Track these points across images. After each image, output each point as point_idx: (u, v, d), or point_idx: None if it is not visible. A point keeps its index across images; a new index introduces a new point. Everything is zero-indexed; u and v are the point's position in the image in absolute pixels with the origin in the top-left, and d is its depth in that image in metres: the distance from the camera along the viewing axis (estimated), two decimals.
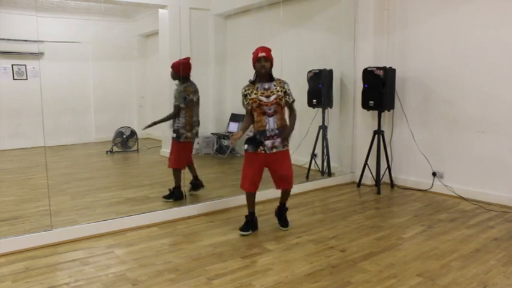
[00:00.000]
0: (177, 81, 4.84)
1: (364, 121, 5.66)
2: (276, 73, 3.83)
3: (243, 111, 3.92)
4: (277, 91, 3.69)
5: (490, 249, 3.43)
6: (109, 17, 8.35)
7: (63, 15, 7.80)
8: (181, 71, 4.77)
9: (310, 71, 5.82)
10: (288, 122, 3.79)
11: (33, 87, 7.54)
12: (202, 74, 7.83)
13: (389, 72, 5.18)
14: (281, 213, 4.01)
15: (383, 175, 5.45)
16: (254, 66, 3.71)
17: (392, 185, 5.47)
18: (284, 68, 5.58)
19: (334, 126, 6.02)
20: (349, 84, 5.85)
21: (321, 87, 5.70)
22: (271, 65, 3.73)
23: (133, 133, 7.58)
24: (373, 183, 5.53)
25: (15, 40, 7.59)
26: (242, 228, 3.84)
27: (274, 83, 3.73)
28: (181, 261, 3.24)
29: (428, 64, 5.16)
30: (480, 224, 4.05)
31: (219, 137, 7.67)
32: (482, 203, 4.69)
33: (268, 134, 3.69)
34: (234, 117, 7.71)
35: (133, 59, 8.69)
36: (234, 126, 7.62)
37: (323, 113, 5.84)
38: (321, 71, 5.72)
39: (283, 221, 3.98)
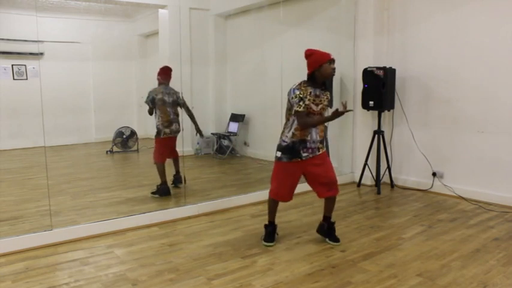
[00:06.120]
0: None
1: (364, 121, 5.66)
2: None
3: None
4: (324, 100, 3.44)
5: (490, 249, 3.43)
6: (109, 17, 8.34)
7: (63, 15, 7.79)
8: (169, 76, 5.16)
9: None
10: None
11: (33, 87, 7.50)
12: (202, 74, 7.83)
13: (390, 72, 5.18)
14: (330, 228, 3.62)
15: (383, 175, 5.45)
16: (319, 67, 3.30)
17: (392, 185, 5.47)
18: (284, 68, 5.58)
19: (334, 126, 6.02)
20: (349, 84, 5.85)
21: None
22: None
23: (133, 133, 7.58)
24: (373, 183, 5.53)
25: (15, 40, 7.57)
26: (266, 239, 3.56)
27: (323, 91, 3.43)
28: (181, 261, 3.24)
29: (428, 64, 5.16)
30: (480, 224, 4.05)
31: (219, 137, 7.66)
32: (482, 203, 4.69)
33: (308, 145, 3.39)
34: (234, 117, 7.71)
35: (133, 59, 8.68)
36: (234, 126, 7.61)
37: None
38: None
39: (334, 236, 3.60)
